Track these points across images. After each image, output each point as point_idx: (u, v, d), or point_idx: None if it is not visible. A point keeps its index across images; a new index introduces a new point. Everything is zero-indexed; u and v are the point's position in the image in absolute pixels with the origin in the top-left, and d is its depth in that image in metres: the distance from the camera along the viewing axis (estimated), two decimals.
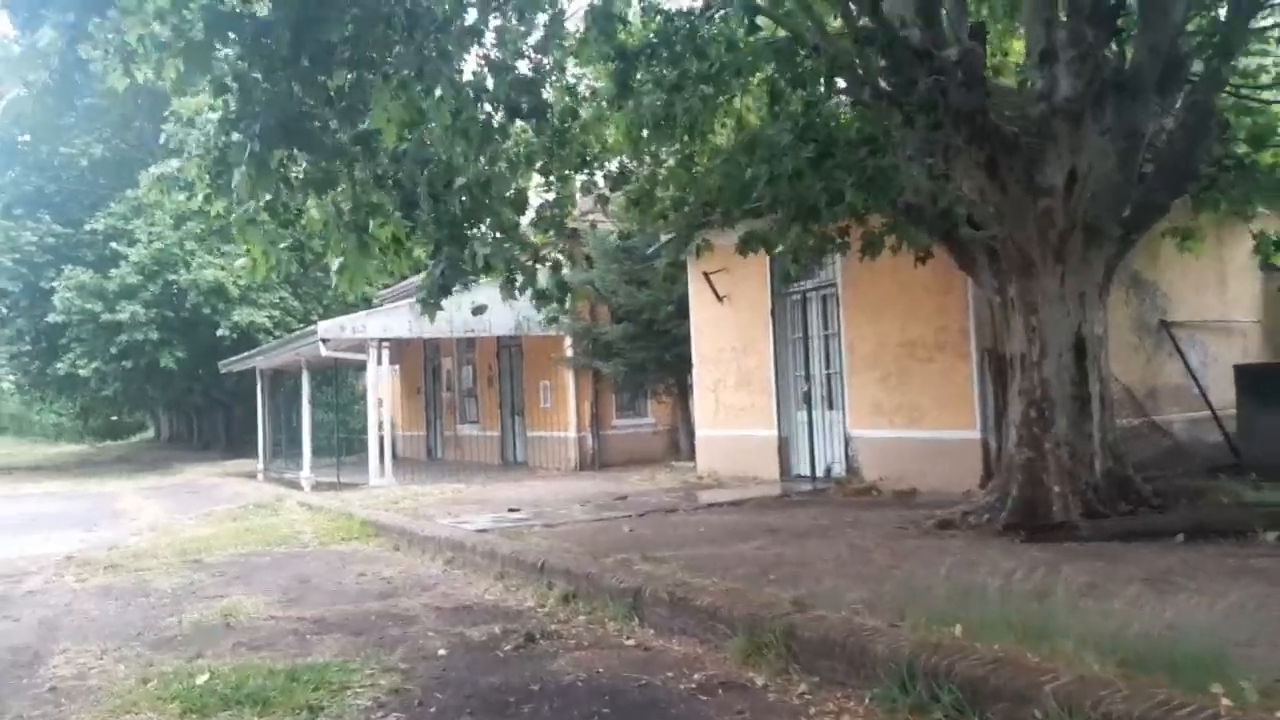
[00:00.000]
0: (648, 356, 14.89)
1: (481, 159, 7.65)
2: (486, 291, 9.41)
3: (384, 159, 6.77)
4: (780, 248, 8.80)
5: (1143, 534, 6.92)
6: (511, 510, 10.49)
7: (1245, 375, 10.17)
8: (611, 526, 8.97)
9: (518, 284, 9.50)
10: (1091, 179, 7.51)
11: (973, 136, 7.28)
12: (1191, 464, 10.09)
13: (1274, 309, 12.24)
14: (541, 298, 9.67)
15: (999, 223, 7.64)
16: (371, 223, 6.27)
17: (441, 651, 5.54)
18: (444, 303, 15.38)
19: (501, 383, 19.58)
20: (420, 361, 23.06)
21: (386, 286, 25.40)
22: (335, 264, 6.22)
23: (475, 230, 7.83)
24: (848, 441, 11.04)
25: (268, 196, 6.55)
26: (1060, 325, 7.76)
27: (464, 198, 7.36)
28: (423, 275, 9.40)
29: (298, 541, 10.38)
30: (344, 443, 24.64)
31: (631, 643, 5.52)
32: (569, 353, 16.68)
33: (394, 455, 23.72)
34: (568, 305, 10.47)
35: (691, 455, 16.09)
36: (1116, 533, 6.98)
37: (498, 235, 7.99)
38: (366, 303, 27.04)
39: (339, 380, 21.79)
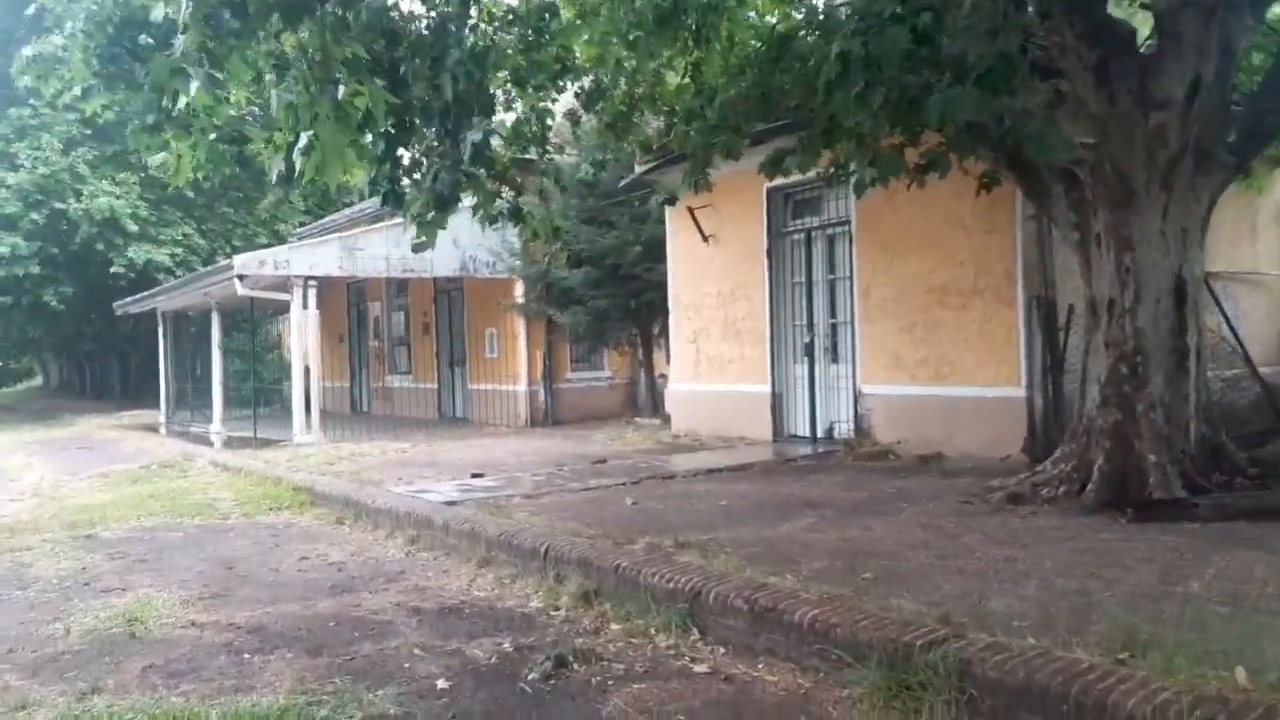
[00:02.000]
0: (612, 304, 13.33)
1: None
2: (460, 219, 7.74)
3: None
4: (815, 168, 7.32)
5: (1269, 512, 5.78)
6: (476, 475, 8.92)
7: None
8: (608, 498, 7.50)
9: (494, 208, 7.88)
10: (1210, 94, 6.25)
11: (1087, 31, 5.91)
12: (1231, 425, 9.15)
13: None
14: (514, 218, 8.07)
15: (1101, 141, 6.31)
16: (343, 89, 4.61)
17: (441, 684, 4.02)
18: (380, 238, 13.59)
19: (439, 330, 17.78)
20: (343, 306, 21.00)
21: (347, 204, 23.47)
22: (300, 143, 4.55)
23: (472, 122, 6.16)
24: (857, 399, 9.76)
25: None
26: (1159, 266, 6.54)
27: (458, 77, 5.66)
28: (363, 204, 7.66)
29: (216, 511, 8.62)
30: (257, 394, 22.60)
31: (703, 669, 4.09)
32: (520, 298, 15.00)
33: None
34: (542, 235, 8.88)
35: (653, 411, 14.71)
36: (1239, 510, 5.82)
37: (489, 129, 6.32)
38: (281, 240, 24.69)
39: (253, 325, 19.61)
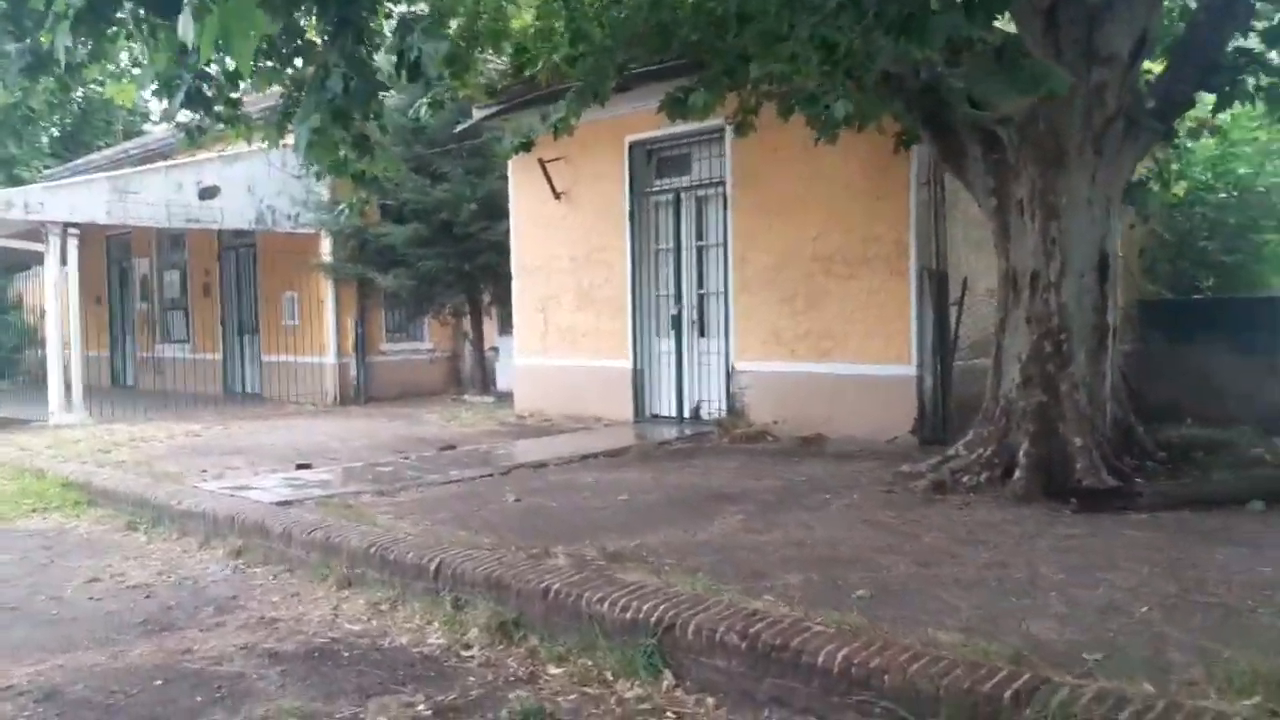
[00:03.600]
0: (441, 266, 11.92)
1: None
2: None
3: None
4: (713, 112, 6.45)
5: (1207, 500, 5.53)
6: (302, 466, 7.46)
7: (1150, 311, 9.40)
8: (482, 493, 6.34)
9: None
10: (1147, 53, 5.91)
11: None
12: None
13: None
14: (360, 150, 6.66)
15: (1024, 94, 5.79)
16: None
17: None
18: (159, 180, 11.52)
19: (225, 293, 15.57)
20: (102, 262, 18.10)
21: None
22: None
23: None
24: (729, 376, 9.06)
25: None
26: (1085, 236, 6.19)
27: None
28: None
29: None
30: None
31: None
32: (327, 257, 13.25)
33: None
34: (385, 176, 7.48)
35: (483, 387, 13.50)
36: (1180, 499, 5.54)
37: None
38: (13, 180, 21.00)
39: None
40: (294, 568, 5.13)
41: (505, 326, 13.58)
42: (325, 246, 13.24)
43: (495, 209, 11.72)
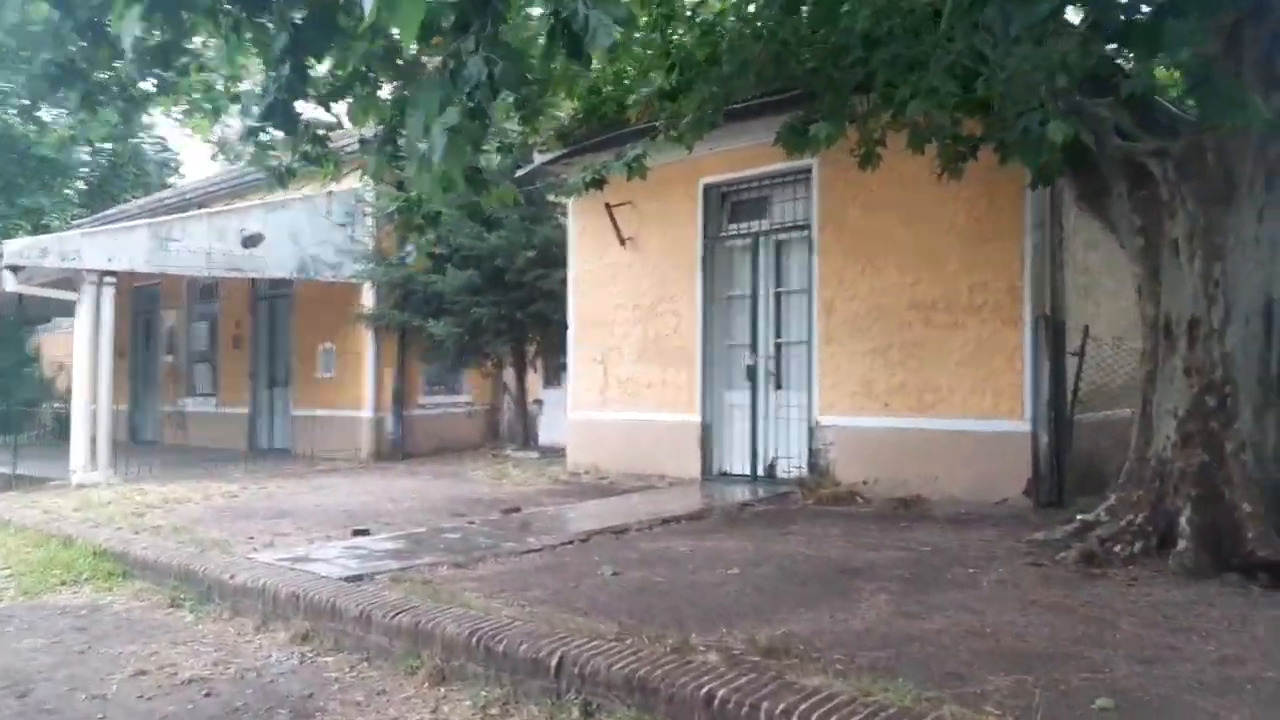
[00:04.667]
0: (493, 314, 11.31)
1: None
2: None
3: None
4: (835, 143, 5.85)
5: None
6: (359, 532, 6.75)
7: None
8: (571, 565, 5.62)
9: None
10: None
11: None
12: None
13: None
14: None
15: (1215, 123, 5.19)
16: None
17: None
18: (201, 228, 11.06)
19: (256, 344, 14.99)
20: (126, 313, 17.54)
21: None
22: None
23: None
24: (812, 432, 8.36)
25: None
26: (1250, 279, 5.55)
27: None
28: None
29: None
30: (7, 418, 18.60)
31: None
32: (368, 308, 12.67)
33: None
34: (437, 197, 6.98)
35: (524, 442, 12.81)
36: None
37: None
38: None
39: (19, 331, 15.91)
40: (373, 657, 4.41)
41: (550, 378, 12.97)
42: (367, 296, 12.67)
43: (549, 257, 11.15)
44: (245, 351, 15.08)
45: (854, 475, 7.97)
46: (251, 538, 6.65)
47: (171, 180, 26.63)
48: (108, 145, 25.34)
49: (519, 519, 7.28)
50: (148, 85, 6.54)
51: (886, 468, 7.79)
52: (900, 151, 6.72)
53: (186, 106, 7.10)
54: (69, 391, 20.65)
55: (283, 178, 7.10)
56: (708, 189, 9.16)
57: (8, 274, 10.01)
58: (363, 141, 6.66)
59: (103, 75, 5.80)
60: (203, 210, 11.90)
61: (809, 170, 8.35)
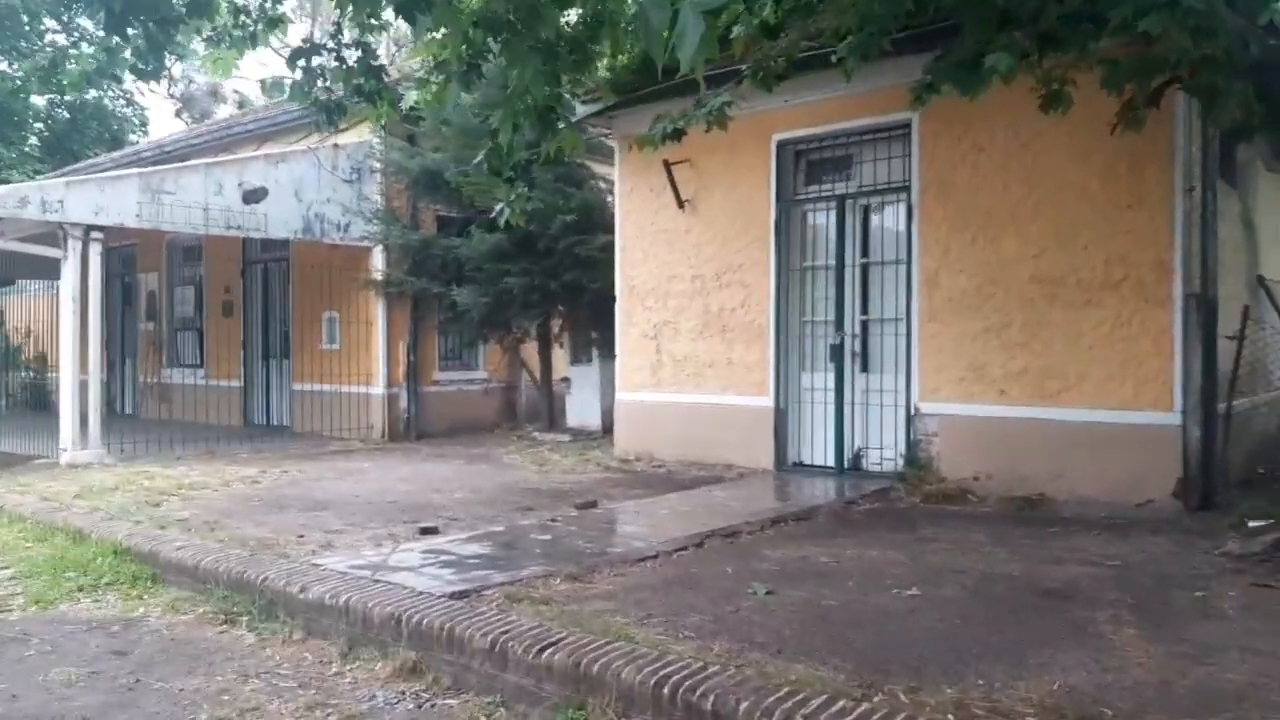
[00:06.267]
0: (526, 284, 10.31)
1: None
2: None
3: None
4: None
5: None
6: (426, 530, 5.80)
7: None
8: (703, 579, 4.73)
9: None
10: None
11: None
12: None
13: None
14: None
15: None
16: None
17: None
18: (197, 180, 10.06)
19: (248, 312, 13.83)
20: (100, 275, 16.23)
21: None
22: None
23: None
24: (910, 420, 7.53)
25: None
26: None
27: None
28: None
29: None
30: None
31: None
32: (378, 273, 11.61)
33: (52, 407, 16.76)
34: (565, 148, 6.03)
35: (549, 423, 11.87)
36: None
37: None
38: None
39: None
40: (511, 700, 3.51)
41: (579, 354, 12.02)
42: (377, 260, 11.61)
43: (588, 222, 10.19)
44: (236, 319, 13.91)
45: (962, 470, 7.17)
46: (301, 536, 5.68)
47: (133, 138, 25.06)
48: (68, 97, 23.79)
49: (600, 516, 6.38)
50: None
51: (1001, 463, 7.00)
52: (1019, 104, 5.91)
53: (213, 33, 6.03)
54: (36, 360, 19.44)
55: (331, 113, 6.11)
56: (781, 146, 8.24)
57: None
58: (439, 65, 5.67)
59: None
60: (199, 161, 10.71)
61: (907, 125, 7.48)
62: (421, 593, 4.27)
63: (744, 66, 6.50)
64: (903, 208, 7.63)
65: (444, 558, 5.05)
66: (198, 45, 6.89)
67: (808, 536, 5.77)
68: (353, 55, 5.89)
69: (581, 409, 11.86)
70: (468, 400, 12.67)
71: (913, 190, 7.51)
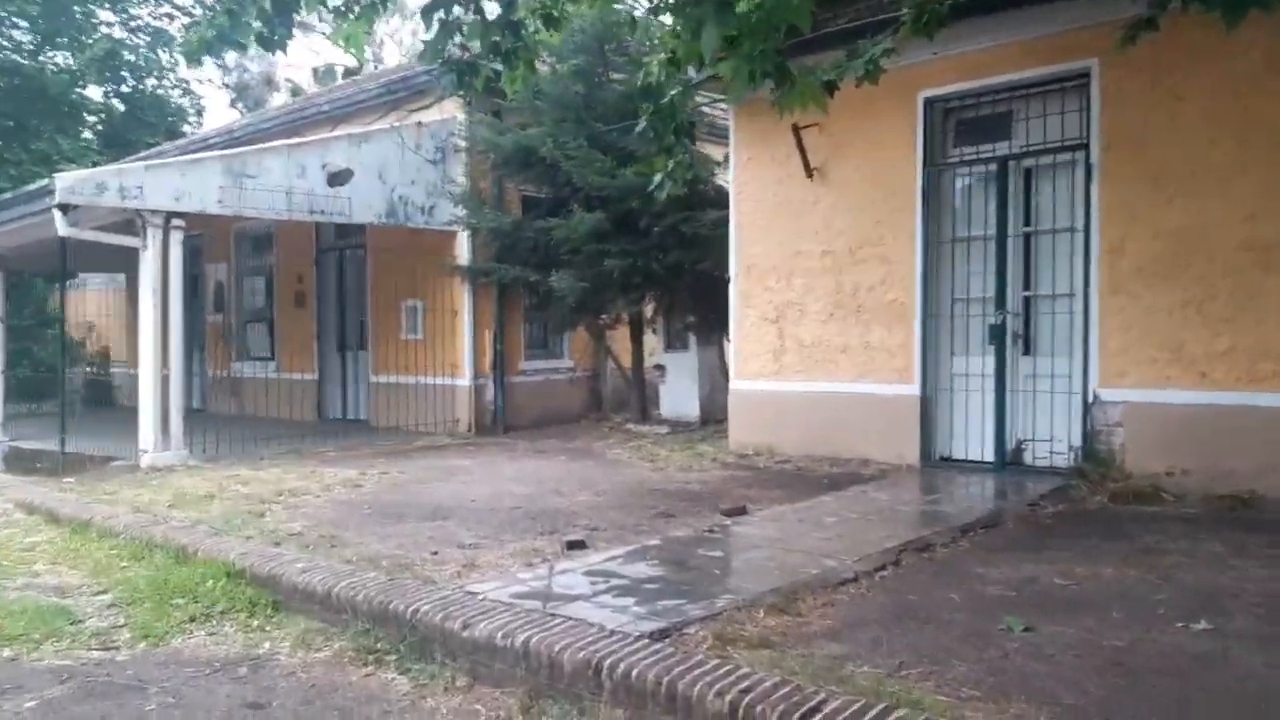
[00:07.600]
0: (625, 265, 9.56)
1: None
2: None
3: None
4: None
5: None
6: (573, 545, 5.10)
7: None
8: (923, 608, 3.95)
9: None
10: None
11: None
12: None
13: None
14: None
15: None
16: None
17: None
18: (279, 163, 9.66)
19: (322, 302, 13.27)
20: (181, 265, 15.79)
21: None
22: None
23: None
24: (1089, 408, 6.68)
25: None
26: None
27: None
28: None
29: (76, 628, 4.39)
30: (32, 385, 16.95)
31: None
32: (463, 259, 10.94)
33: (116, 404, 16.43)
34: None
35: (641, 414, 11.16)
36: None
37: None
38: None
39: (62, 281, 14.13)
40: None
41: (674, 340, 11.29)
42: (461, 245, 10.94)
43: (695, 197, 9.42)
44: (309, 310, 13.37)
45: (1151, 465, 6.31)
46: (435, 553, 5.00)
47: (186, 128, 24.65)
48: (124, 88, 23.46)
49: (758, 525, 5.62)
50: None
51: (1199, 455, 6.13)
52: (1228, 46, 5.03)
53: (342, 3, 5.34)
54: (99, 355, 19.16)
55: (463, 74, 5.40)
56: (929, 103, 7.39)
57: (59, 214, 8.26)
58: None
59: None
60: (280, 142, 10.09)
61: (1085, 75, 6.61)
62: (613, 631, 3.55)
63: (901, 13, 5.74)
64: (1079, 169, 6.75)
65: (614, 581, 4.33)
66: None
67: (1012, 548, 4.98)
68: (492, 9, 5.18)
69: (677, 398, 11.13)
70: (554, 390, 11.99)
71: (1092, 148, 6.62)
